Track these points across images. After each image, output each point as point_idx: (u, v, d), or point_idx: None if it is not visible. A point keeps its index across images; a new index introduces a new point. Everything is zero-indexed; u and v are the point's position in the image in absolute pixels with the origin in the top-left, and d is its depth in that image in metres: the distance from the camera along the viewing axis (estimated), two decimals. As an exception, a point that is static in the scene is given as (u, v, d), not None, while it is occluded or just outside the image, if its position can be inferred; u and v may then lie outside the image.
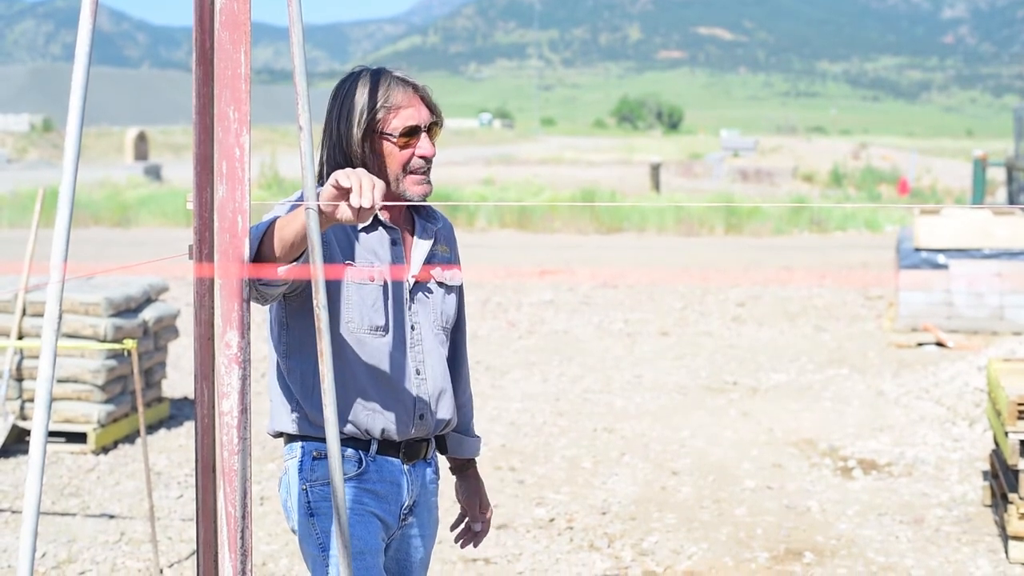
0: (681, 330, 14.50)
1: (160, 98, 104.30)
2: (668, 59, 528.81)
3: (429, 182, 3.51)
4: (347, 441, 3.48)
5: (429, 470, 3.68)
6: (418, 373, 3.54)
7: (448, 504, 7.46)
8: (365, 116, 3.43)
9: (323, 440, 3.49)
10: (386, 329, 3.47)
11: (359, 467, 3.50)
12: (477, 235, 25.25)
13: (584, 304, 16.34)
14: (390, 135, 3.44)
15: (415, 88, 3.49)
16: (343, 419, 3.45)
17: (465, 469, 3.88)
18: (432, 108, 3.51)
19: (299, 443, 3.54)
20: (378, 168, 3.45)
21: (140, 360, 9.14)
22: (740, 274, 19.70)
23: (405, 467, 3.58)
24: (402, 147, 3.44)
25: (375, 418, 3.48)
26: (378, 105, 3.43)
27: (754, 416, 10.18)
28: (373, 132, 3.44)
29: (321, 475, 3.49)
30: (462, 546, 3.90)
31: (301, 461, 3.52)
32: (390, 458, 3.55)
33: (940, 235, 14.00)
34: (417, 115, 3.46)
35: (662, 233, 26.58)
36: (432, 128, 3.51)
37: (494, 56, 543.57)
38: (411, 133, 3.45)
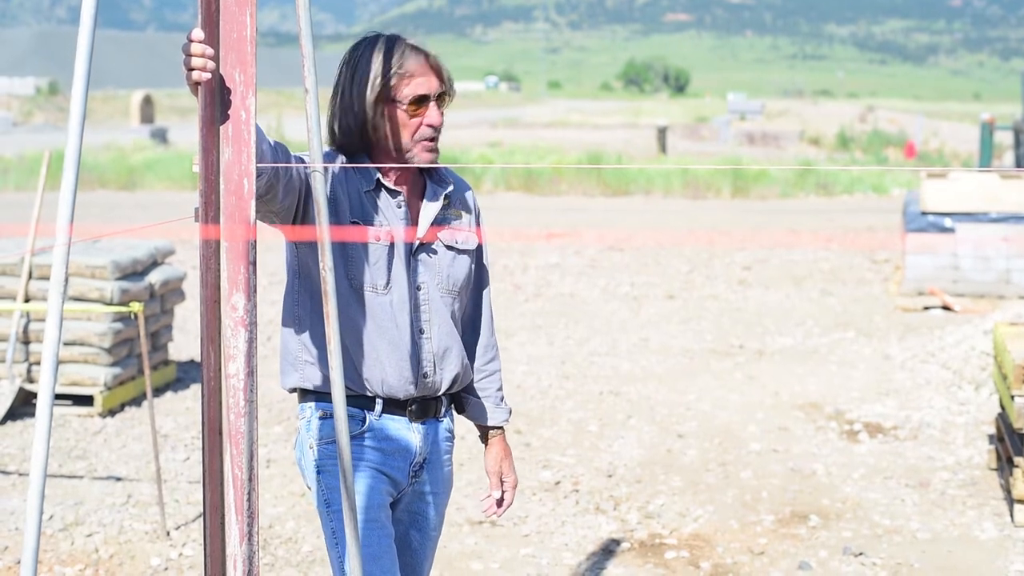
0: (687, 293, 14.49)
1: (166, 61, 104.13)
2: (675, 22, 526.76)
3: (436, 149, 3.57)
4: (352, 399, 3.53)
5: (442, 428, 3.72)
6: (422, 332, 3.58)
7: (458, 465, 7.47)
8: (378, 81, 3.48)
9: (330, 396, 3.53)
10: (388, 287, 3.50)
11: (363, 425, 3.57)
12: (484, 198, 25.11)
13: (590, 267, 16.33)
14: (400, 102, 3.48)
15: (427, 57, 3.53)
16: (346, 375, 3.48)
17: (491, 436, 3.88)
18: (443, 77, 3.55)
19: (309, 403, 3.61)
20: (389, 133, 3.51)
21: (146, 323, 9.16)
22: (746, 237, 19.68)
23: (414, 424, 3.62)
24: (411, 115, 3.50)
25: (375, 374, 3.53)
26: (391, 71, 3.48)
27: (760, 380, 10.18)
28: (385, 98, 3.49)
29: (327, 434, 3.56)
30: (487, 515, 3.91)
31: (309, 421, 3.60)
32: (396, 416, 3.60)
33: (947, 199, 13.96)
34: (427, 84, 3.51)
35: (668, 196, 26.53)
36: (441, 97, 3.55)
37: (500, 19, 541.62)
38: (420, 102, 3.50)
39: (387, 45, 3.50)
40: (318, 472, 3.56)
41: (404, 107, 3.48)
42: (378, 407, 3.57)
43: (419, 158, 3.53)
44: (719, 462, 7.94)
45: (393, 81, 3.47)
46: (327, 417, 3.56)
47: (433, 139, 3.54)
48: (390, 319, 3.53)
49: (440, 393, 3.67)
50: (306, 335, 3.56)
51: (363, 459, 3.54)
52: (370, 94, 3.47)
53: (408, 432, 3.61)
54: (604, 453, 8.12)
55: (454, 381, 3.68)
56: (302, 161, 3.35)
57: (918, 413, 9.06)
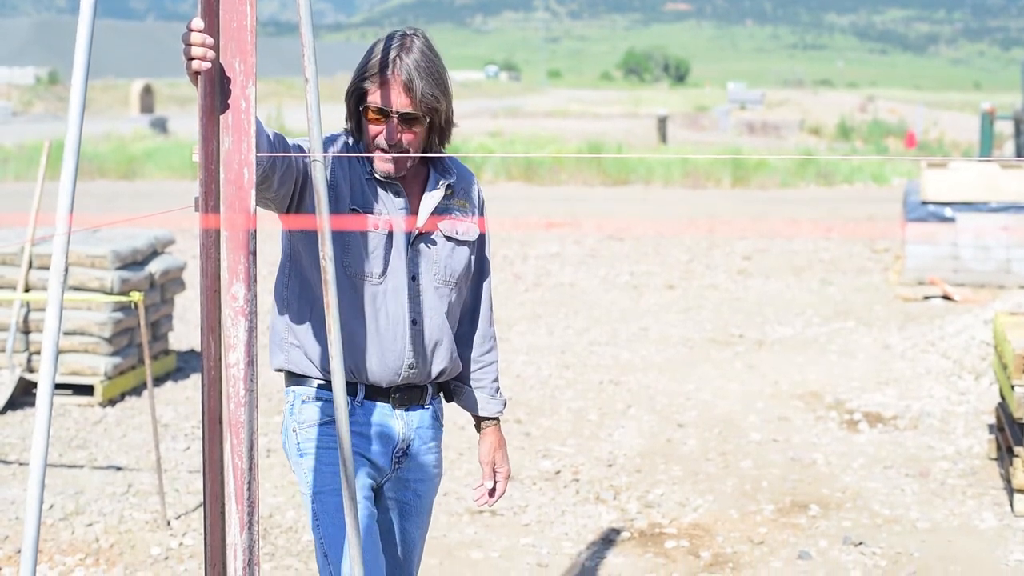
0: (687, 283, 14.49)
1: (166, 50, 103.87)
2: (675, 11, 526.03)
3: (395, 162, 3.49)
4: None
5: (427, 415, 3.73)
6: (414, 323, 3.59)
7: (452, 457, 7.48)
8: (358, 78, 3.48)
9: (312, 381, 3.60)
10: (383, 276, 3.51)
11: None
12: (484, 187, 24.96)
13: (590, 257, 16.33)
14: (366, 105, 3.48)
15: (406, 75, 3.43)
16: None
17: (485, 427, 3.90)
18: (414, 99, 3.45)
19: (293, 387, 3.64)
20: (360, 129, 3.54)
21: (146, 312, 9.15)
22: (746, 227, 19.66)
23: (397, 411, 3.65)
24: (370, 121, 3.48)
25: (361, 362, 3.55)
26: (370, 73, 3.46)
27: (760, 369, 10.19)
28: (360, 96, 3.50)
29: (308, 418, 3.60)
30: (478, 504, 3.92)
31: (292, 405, 3.64)
32: (378, 403, 3.62)
33: (947, 188, 13.96)
34: (391, 100, 3.44)
35: (668, 186, 26.51)
36: (411, 118, 3.47)
37: (500, 8, 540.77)
38: (380, 113, 3.46)
39: (392, 45, 3.46)
40: (300, 455, 3.61)
41: (365, 111, 3.48)
42: (361, 393, 3.60)
43: (375, 165, 3.51)
44: (719, 452, 7.94)
45: (366, 84, 3.47)
46: (309, 401, 3.60)
47: (392, 150, 3.49)
48: (383, 308, 3.54)
49: (426, 382, 3.69)
50: (293, 318, 3.58)
51: None
52: (350, 86, 3.50)
53: (391, 419, 3.64)
54: (604, 443, 8.12)
55: (441, 373, 3.70)
56: (301, 148, 3.35)
57: (918, 403, 9.06)
